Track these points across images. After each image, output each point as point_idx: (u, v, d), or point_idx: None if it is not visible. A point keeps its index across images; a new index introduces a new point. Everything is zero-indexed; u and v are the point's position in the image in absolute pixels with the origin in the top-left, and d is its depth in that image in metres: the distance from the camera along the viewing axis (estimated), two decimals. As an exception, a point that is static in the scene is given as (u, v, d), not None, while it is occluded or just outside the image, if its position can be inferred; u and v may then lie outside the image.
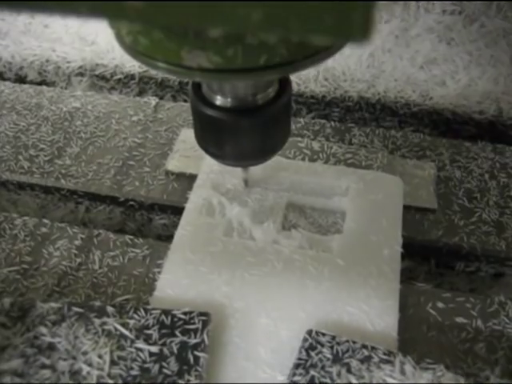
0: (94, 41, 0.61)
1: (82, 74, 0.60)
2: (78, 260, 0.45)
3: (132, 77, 0.60)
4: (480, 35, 0.56)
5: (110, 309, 0.39)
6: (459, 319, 0.42)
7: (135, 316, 0.38)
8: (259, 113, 0.36)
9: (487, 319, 0.42)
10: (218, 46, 0.27)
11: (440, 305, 0.43)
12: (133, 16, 0.20)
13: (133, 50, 0.30)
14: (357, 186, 0.46)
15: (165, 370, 0.36)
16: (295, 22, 0.19)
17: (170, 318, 0.38)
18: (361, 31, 0.19)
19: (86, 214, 0.53)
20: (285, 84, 0.38)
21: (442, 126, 0.57)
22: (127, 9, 0.20)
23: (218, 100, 0.36)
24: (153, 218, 0.52)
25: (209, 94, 0.37)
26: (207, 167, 0.48)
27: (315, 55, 0.29)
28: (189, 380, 0.35)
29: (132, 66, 0.60)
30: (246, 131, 0.37)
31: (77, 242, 0.46)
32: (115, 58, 0.60)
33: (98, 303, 0.39)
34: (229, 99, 0.36)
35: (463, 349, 0.41)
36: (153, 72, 0.60)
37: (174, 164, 0.51)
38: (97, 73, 0.60)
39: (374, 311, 0.40)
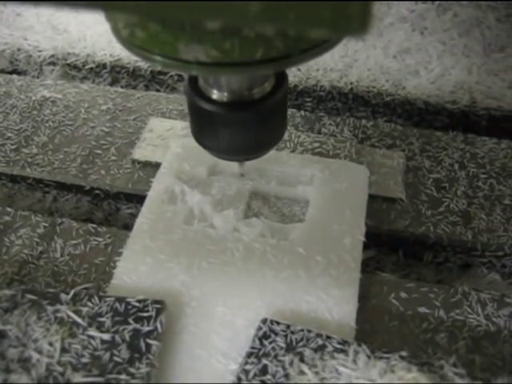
0: (65, 29, 0.60)
1: (53, 63, 0.60)
2: (40, 248, 0.45)
3: (104, 66, 0.59)
4: (453, 24, 0.55)
5: (63, 296, 0.38)
6: (422, 309, 0.42)
7: (89, 303, 0.38)
8: (255, 107, 0.36)
9: (450, 309, 0.42)
10: (215, 40, 0.26)
11: (403, 295, 0.43)
12: (130, 8, 0.20)
13: (129, 43, 0.29)
14: (322, 175, 0.46)
15: (116, 358, 0.35)
16: (293, 15, 0.19)
17: (123, 306, 0.38)
18: (359, 25, 0.19)
19: (54, 203, 0.52)
20: (281, 78, 0.37)
21: (416, 116, 0.57)
22: (125, 1, 0.19)
23: (215, 94, 0.36)
24: (120, 208, 0.52)
25: (205, 88, 0.37)
26: (172, 155, 0.48)
27: (312, 49, 0.29)
28: (139, 368, 0.35)
29: (103, 55, 0.59)
30: (242, 125, 0.37)
31: (39, 231, 0.46)
32: (87, 46, 0.59)
33: (52, 290, 0.39)
34: (225, 93, 0.36)
35: (424, 339, 0.41)
36: (124, 61, 0.59)
37: (140, 153, 0.50)
38: (68, 62, 0.59)
39: (332, 300, 0.39)
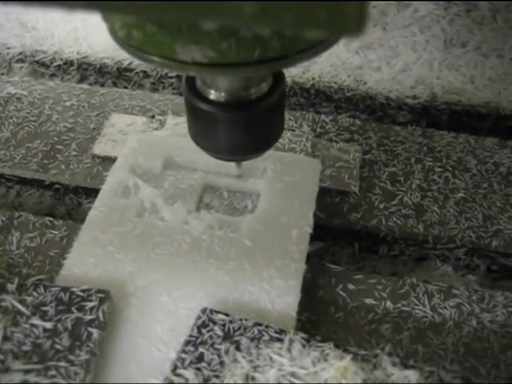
0: (34, 27, 0.61)
1: (22, 61, 0.61)
2: (-3, 241, 0.46)
3: (71, 63, 0.60)
4: (414, 20, 0.56)
5: (10, 286, 0.39)
6: (368, 300, 0.42)
7: (34, 293, 0.39)
8: (253, 107, 0.36)
9: (397, 300, 0.42)
10: (212, 40, 0.27)
11: (351, 286, 0.43)
12: (125, 9, 0.20)
13: (126, 44, 0.30)
14: (274, 168, 0.46)
15: (56, 346, 0.36)
16: (289, 15, 0.19)
17: (68, 295, 0.38)
18: (355, 25, 0.19)
19: (17, 198, 0.53)
20: (279, 78, 0.37)
21: (378, 111, 0.57)
22: (120, 2, 0.20)
23: (212, 94, 0.36)
24: (82, 202, 0.52)
25: (203, 88, 0.37)
26: (128, 150, 0.48)
27: (309, 49, 0.29)
28: (79, 355, 0.36)
29: (71, 52, 0.60)
30: (240, 126, 0.37)
31: (-3, 224, 0.47)
32: (54, 44, 0.60)
33: (-1, 280, 0.40)
34: (222, 93, 0.36)
35: (369, 330, 0.41)
36: (91, 58, 0.60)
37: (100, 148, 0.51)
38: (37, 59, 0.60)
39: (275, 291, 0.40)
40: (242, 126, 0.37)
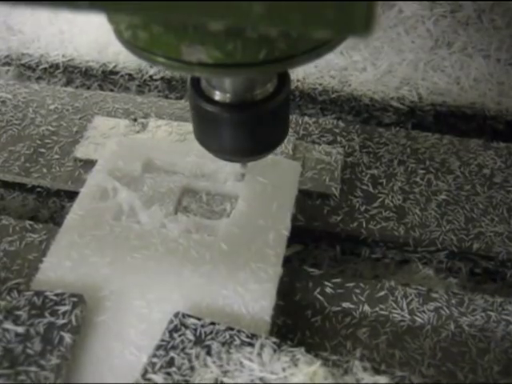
0: (20, 30, 0.62)
1: (8, 64, 0.61)
2: (-24, 245, 0.46)
3: (57, 66, 0.60)
4: (399, 21, 0.55)
5: (-17, 291, 0.39)
6: (346, 304, 0.42)
7: (8, 298, 0.39)
8: (258, 108, 0.36)
9: (374, 304, 0.42)
10: (218, 41, 0.27)
11: (328, 290, 0.43)
12: (132, 9, 0.20)
13: (131, 44, 0.29)
14: (253, 171, 0.46)
15: (28, 351, 0.36)
16: (296, 15, 0.19)
17: (41, 299, 0.38)
18: (363, 25, 0.19)
19: (1, 201, 0.53)
20: (284, 79, 0.37)
21: (364, 113, 0.57)
22: (127, 2, 0.20)
23: (217, 95, 0.36)
24: (65, 205, 0.52)
25: (208, 89, 0.36)
26: (108, 153, 0.48)
27: (315, 49, 0.29)
28: (50, 360, 0.36)
29: (56, 55, 0.60)
30: (245, 127, 0.37)
31: (-23, 228, 0.47)
32: (40, 47, 0.60)
33: (-27, 285, 0.40)
34: (228, 94, 0.36)
35: (345, 334, 0.41)
36: (76, 61, 0.60)
37: (82, 151, 0.51)
38: (23, 62, 0.61)
39: (250, 295, 0.39)
40: (246, 127, 0.37)
